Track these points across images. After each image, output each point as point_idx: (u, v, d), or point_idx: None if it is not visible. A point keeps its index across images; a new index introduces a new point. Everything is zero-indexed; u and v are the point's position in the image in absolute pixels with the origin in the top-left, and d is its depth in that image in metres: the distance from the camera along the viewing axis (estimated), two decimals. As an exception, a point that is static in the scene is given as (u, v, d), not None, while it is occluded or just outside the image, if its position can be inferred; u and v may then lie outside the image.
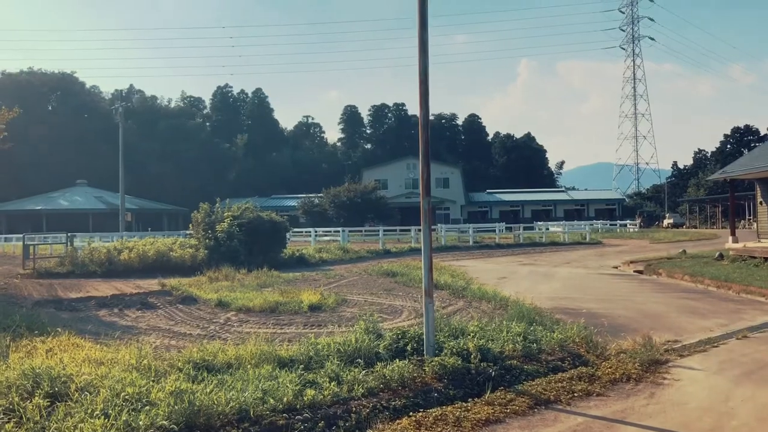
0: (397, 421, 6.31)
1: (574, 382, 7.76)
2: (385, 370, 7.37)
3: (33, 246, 25.51)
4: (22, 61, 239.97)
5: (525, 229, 49.04)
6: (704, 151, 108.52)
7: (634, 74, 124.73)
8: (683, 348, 9.73)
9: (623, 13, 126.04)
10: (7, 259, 31.53)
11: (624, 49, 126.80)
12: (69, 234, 29.14)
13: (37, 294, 17.07)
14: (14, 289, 18.35)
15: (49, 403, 5.74)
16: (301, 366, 7.43)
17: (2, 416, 5.43)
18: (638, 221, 70.31)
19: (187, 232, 31.47)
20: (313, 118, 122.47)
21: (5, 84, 77.94)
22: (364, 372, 7.32)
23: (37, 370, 6.46)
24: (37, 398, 5.76)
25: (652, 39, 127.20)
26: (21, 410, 5.55)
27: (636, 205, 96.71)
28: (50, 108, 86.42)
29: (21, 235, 30.78)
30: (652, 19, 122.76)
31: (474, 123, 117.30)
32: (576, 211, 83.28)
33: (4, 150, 23.88)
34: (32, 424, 5.30)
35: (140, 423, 5.37)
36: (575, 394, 7.39)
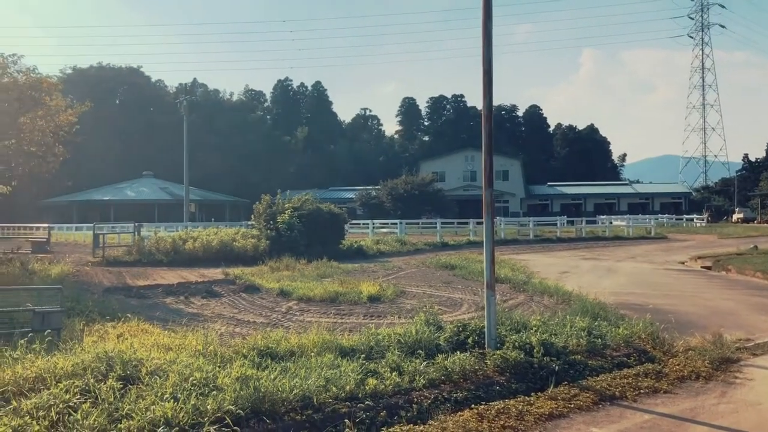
0: (459, 413, 6.30)
1: (640, 379, 7.59)
2: (446, 362, 7.37)
3: (102, 235, 26.40)
4: (92, 57, 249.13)
5: (587, 222, 47.98)
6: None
7: (703, 63, 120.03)
8: (756, 347, 9.40)
9: (692, 0, 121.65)
10: (78, 247, 32.80)
11: (692, 37, 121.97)
12: (136, 224, 30.07)
13: (107, 281, 17.71)
14: (85, 276, 19.08)
15: (121, 386, 5.97)
16: (363, 355, 7.49)
17: (79, 396, 5.67)
18: (706, 216, 67.81)
19: (249, 222, 32.08)
20: (370, 111, 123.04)
21: (76, 79, 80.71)
22: (425, 363, 7.33)
23: (110, 354, 6.72)
24: (110, 380, 5.99)
25: (723, 27, 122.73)
26: (96, 391, 5.78)
27: (703, 199, 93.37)
28: (118, 102, 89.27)
29: (91, 225, 31.92)
30: (723, 6, 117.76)
31: (535, 114, 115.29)
32: (640, 204, 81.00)
33: (76, 142, 24.79)
34: (107, 405, 5.51)
35: (208, 407, 5.52)
36: (641, 391, 7.22)
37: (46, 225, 37.42)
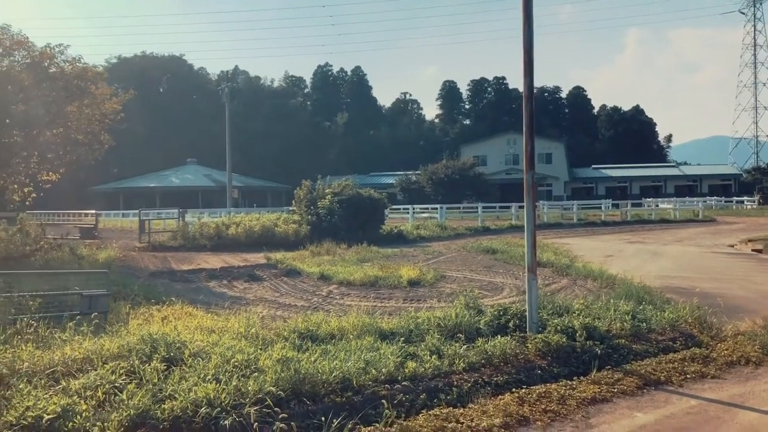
0: (500, 396, 6.25)
1: (686, 363, 7.43)
2: (486, 345, 7.32)
3: (148, 221, 26.95)
4: (136, 46, 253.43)
5: (633, 206, 47.12)
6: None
7: (755, 40, 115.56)
8: (809, 332, 9.06)
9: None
10: (125, 233, 33.55)
11: (744, 13, 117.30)
12: (181, 210, 30.61)
13: (152, 266, 18.09)
14: (132, 261, 19.53)
15: (165, 367, 6.08)
16: (402, 339, 7.49)
17: (125, 377, 5.80)
18: (757, 198, 65.77)
19: (290, 208, 32.33)
20: (410, 95, 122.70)
21: (121, 68, 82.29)
22: (464, 347, 7.30)
23: (155, 336, 6.86)
24: (155, 362, 6.12)
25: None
26: (141, 372, 5.91)
27: (755, 181, 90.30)
28: (161, 90, 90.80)
29: (137, 211, 32.64)
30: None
31: (579, 96, 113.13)
32: (688, 187, 79.06)
33: (121, 130, 25.25)
34: (151, 386, 5.63)
35: (249, 388, 5.59)
36: (688, 376, 7.06)
37: (93, 211, 38.41)
